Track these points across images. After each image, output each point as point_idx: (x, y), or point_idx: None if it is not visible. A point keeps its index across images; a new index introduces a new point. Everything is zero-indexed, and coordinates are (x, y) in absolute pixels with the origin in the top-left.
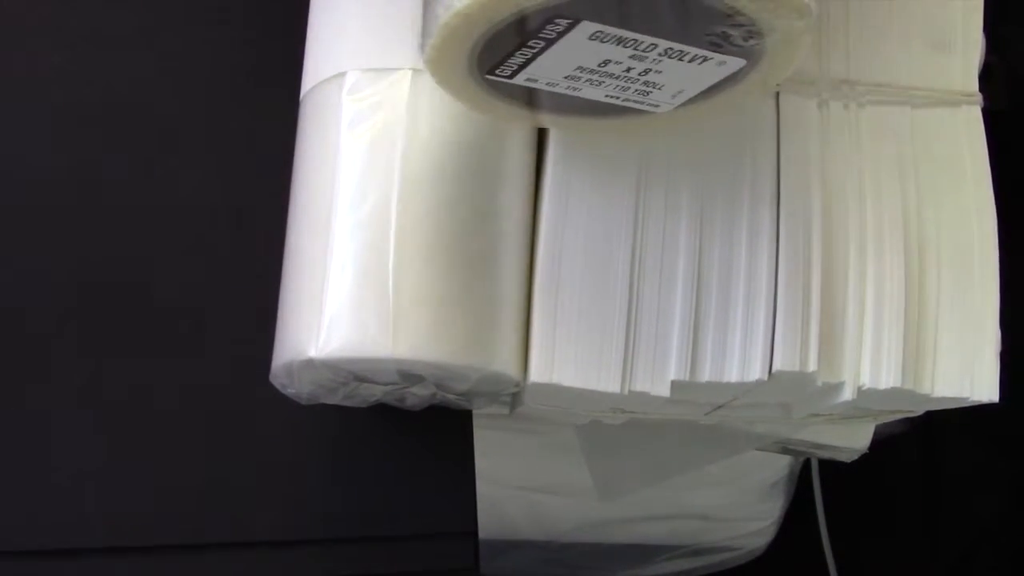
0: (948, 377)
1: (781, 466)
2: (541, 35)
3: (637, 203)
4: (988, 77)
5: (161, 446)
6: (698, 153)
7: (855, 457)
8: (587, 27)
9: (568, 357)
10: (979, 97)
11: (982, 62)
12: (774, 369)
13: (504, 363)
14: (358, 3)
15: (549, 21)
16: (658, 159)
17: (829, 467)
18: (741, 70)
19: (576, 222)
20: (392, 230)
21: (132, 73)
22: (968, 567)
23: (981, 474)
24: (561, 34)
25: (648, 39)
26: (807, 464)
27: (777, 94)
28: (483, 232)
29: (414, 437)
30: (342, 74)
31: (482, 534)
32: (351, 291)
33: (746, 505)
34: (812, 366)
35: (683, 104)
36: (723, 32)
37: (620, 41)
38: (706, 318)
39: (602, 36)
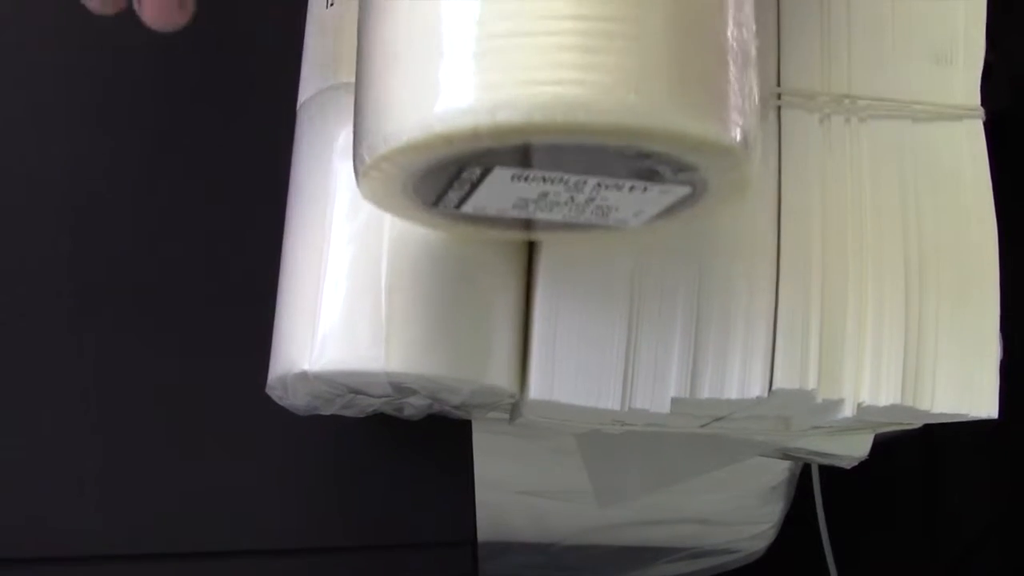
0: (948, 393)
1: (781, 470)
2: (462, 178)
3: None
4: (988, 77)
5: (160, 455)
6: None
7: (855, 464)
8: (503, 171)
9: (568, 374)
10: (981, 111)
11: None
12: (774, 386)
13: (497, 376)
14: (354, 13)
15: (463, 169)
16: None
17: (829, 468)
18: (694, 192)
19: None
20: (385, 243)
21: (131, 77)
22: (968, 567)
23: (981, 474)
24: (481, 177)
25: (573, 176)
26: (807, 466)
27: (779, 108)
28: (476, 244)
29: (413, 445)
30: (337, 86)
31: (481, 537)
32: (344, 304)
33: (746, 509)
34: (812, 383)
35: (651, 220)
36: (648, 169)
37: (546, 180)
38: (706, 334)
39: (524, 177)
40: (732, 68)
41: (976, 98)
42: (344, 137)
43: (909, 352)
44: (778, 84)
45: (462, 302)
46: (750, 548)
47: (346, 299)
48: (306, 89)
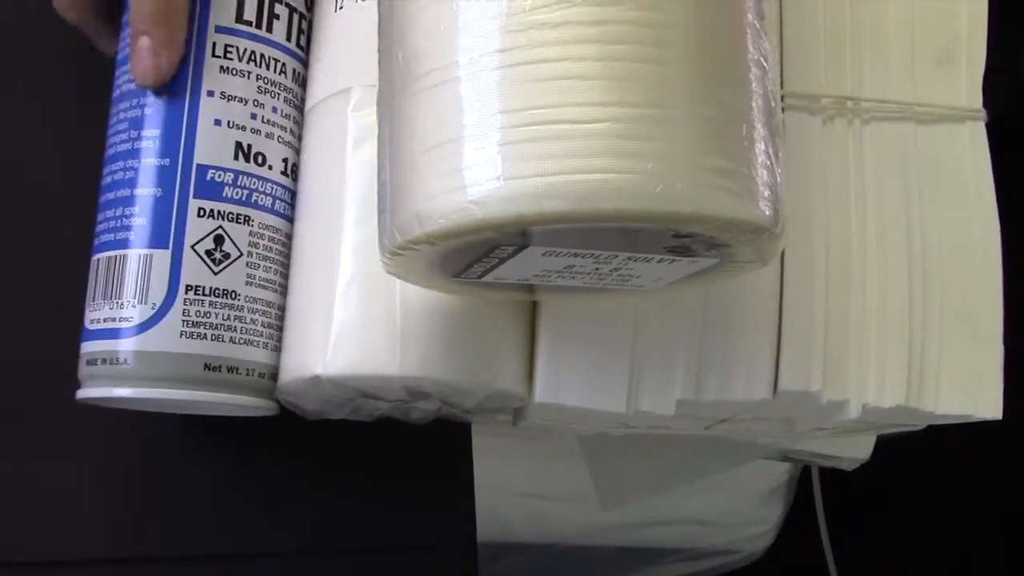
0: (952, 395)
1: (781, 472)
2: (493, 255)
3: None
4: (990, 81)
5: (163, 457)
6: None
7: (856, 466)
8: (536, 249)
9: (573, 377)
10: (983, 113)
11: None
12: (779, 388)
13: (510, 380)
14: (364, 18)
15: (496, 247)
16: None
17: (829, 469)
18: (719, 263)
19: None
20: None
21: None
22: (968, 567)
23: (981, 474)
24: (512, 254)
25: (605, 252)
26: (807, 467)
27: (782, 111)
28: None
29: (413, 447)
30: (348, 89)
31: (481, 538)
32: (358, 309)
33: (746, 510)
34: (817, 385)
35: (669, 285)
36: (682, 246)
37: (576, 255)
38: (711, 336)
39: (555, 252)
40: (769, 147)
41: (979, 100)
42: (354, 141)
43: (913, 353)
44: (781, 87)
45: (474, 306)
46: (750, 549)
47: (360, 304)
48: (315, 93)
